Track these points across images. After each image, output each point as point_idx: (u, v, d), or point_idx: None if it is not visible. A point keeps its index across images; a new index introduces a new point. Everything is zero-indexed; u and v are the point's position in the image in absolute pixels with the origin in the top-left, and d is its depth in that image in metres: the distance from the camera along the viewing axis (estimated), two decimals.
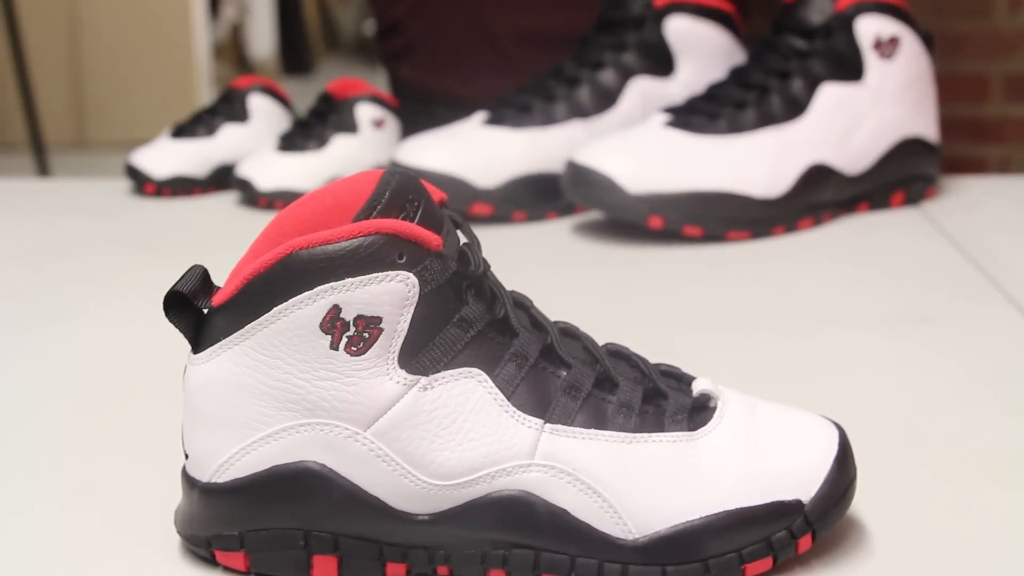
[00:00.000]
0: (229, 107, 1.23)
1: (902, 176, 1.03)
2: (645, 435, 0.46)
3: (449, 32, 1.30)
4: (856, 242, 0.95)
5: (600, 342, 0.49)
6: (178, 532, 0.48)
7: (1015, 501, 0.52)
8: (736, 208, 0.95)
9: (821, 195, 0.99)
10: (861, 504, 0.50)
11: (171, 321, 0.45)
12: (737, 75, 1.01)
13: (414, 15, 1.32)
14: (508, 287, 0.49)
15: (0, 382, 0.70)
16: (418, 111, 1.24)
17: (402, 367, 0.44)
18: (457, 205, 0.98)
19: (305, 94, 1.42)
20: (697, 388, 0.49)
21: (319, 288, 0.43)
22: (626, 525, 0.45)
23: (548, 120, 1.04)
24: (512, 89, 1.08)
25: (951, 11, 2.01)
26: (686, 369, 0.51)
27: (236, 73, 4.49)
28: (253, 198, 1.11)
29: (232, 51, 5.17)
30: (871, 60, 0.99)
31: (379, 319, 0.44)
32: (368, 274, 0.43)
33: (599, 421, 0.46)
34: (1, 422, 0.64)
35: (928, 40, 1.03)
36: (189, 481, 0.47)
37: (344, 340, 0.44)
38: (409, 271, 0.44)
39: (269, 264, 0.43)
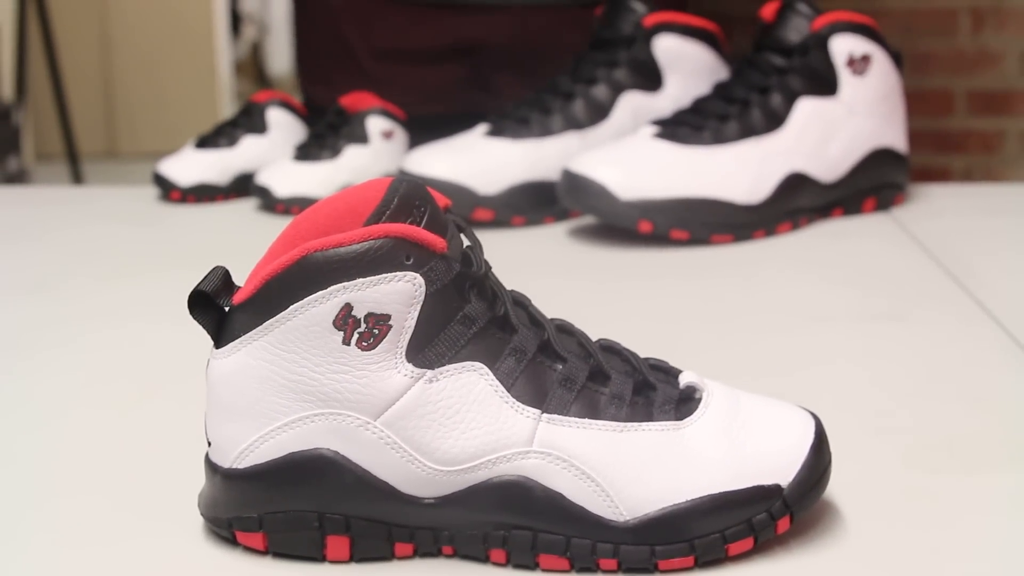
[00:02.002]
0: (249, 120, 1.23)
1: (873, 184, 1.03)
2: (635, 424, 0.46)
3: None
4: (831, 245, 0.95)
5: (593, 338, 0.49)
6: (201, 514, 0.48)
7: (976, 485, 0.52)
8: (720, 213, 0.95)
9: (798, 201, 0.99)
10: (836, 488, 0.50)
11: (195, 318, 0.45)
12: (721, 90, 1.01)
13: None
14: (508, 287, 0.48)
15: (36, 376, 0.70)
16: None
17: (409, 361, 0.44)
18: (461, 211, 0.98)
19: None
20: (683, 381, 0.49)
21: (332, 287, 0.43)
22: (618, 508, 0.45)
23: (545, 132, 1.04)
24: (512, 103, 1.08)
25: (919, 31, 2.01)
26: (673, 363, 0.51)
27: (255, 88, 4.49)
28: (271, 204, 1.10)
29: (252, 68, 5.16)
30: (845, 76, 0.99)
31: (388, 316, 0.43)
32: (378, 274, 0.43)
33: (592, 411, 0.46)
34: (36, 413, 0.64)
35: (898, 58, 1.03)
36: (211, 467, 0.47)
37: (355, 336, 0.44)
38: (416, 272, 0.43)
39: (286, 265, 0.43)
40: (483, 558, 0.46)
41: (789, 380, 0.66)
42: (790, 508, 0.46)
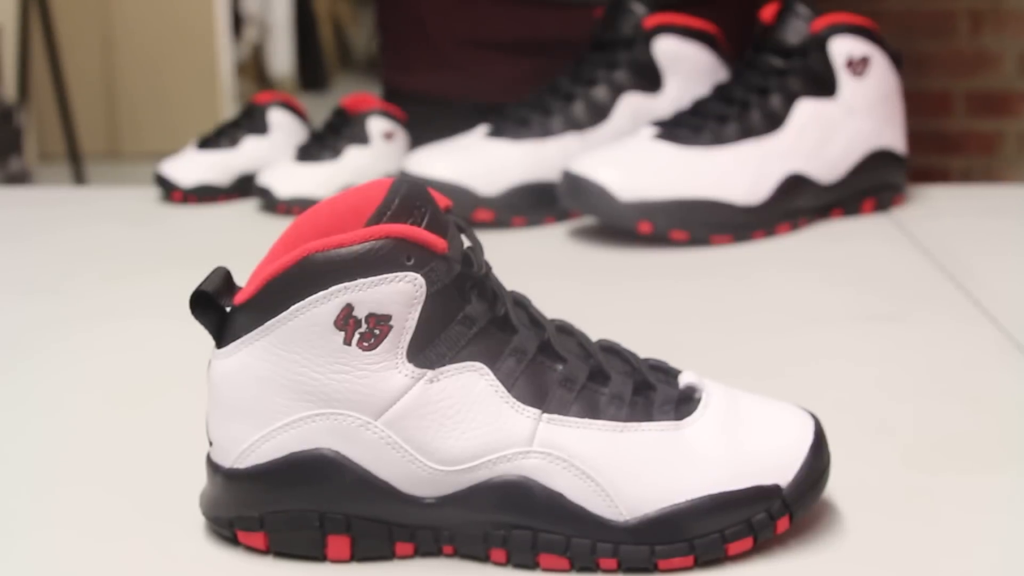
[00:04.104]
0: (251, 121, 1.23)
1: (872, 185, 1.03)
2: (635, 424, 0.46)
3: (400, 34, 1.31)
4: (830, 246, 0.95)
5: (593, 338, 0.49)
6: (203, 514, 0.48)
7: (974, 484, 0.52)
8: (719, 214, 0.95)
9: (798, 202, 0.99)
10: (834, 488, 0.50)
11: (197, 318, 0.45)
12: (720, 91, 1.01)
13: (380, 17, 1.35)
14: (508, 287, 0.48)
15: (39, 375, 0.70)
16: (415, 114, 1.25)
17: (410, 361, 0.44)
18: (461, 211, 0.98)
19: (321, 108, 1.42)
20: (683, 381, 0.49)
21: (333, 288, 0.43)
22: (617, 508, 0.45)
23: (545, 133, 1.04)
24: (512, 103, 1.08)
25: (918, 32, 2.01)
26: (673, 363, 0.51)
27: (257, 89, 4.49)
28: (272, 205, 1.10)
29: (253, 69, 5.17)
30: (844, 78, 0.99)
31: (389, 317, 0.43)
32: (379, 275, 0.43)
33: (592, 411, 0.46)
34: (39, 412, 0.64)
35: (897, 59, 1.03)
36: (213, 466, 0.47)
37: (356, 336, 0.44)
38: (417, 272, 0.43)
39: (287, 265, 0.43)
40: (483, 557, 0.46)
41: (788, 380, 0.66)
42: (789, 508, 0.46)
